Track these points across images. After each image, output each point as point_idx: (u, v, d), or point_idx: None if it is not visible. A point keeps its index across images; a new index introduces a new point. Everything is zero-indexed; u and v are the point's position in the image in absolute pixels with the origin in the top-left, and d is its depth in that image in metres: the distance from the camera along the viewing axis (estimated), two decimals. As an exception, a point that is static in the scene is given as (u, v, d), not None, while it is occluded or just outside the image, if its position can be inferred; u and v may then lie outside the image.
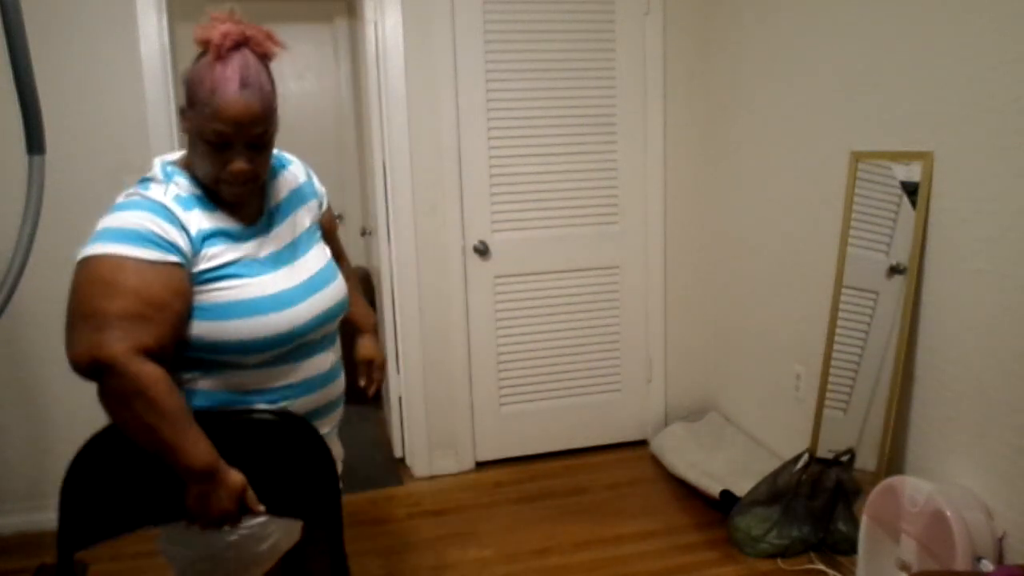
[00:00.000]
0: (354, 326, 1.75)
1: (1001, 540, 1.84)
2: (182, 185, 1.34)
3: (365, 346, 1.75)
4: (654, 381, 3.35)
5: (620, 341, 3.28)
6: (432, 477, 3.14)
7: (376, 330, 1.77)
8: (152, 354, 1.22)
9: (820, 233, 2.53)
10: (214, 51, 1.25)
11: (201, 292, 1.30)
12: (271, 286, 1.35)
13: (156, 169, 1.37)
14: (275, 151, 1.45)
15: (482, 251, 3.08)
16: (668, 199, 3.23)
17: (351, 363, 1.71)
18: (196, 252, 1.29)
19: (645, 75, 3.12)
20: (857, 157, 2.33)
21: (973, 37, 1.87)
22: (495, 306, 3.13)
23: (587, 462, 3.23)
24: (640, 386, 3.34)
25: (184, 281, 1.27)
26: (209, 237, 1.32)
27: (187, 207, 1.32)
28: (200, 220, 1.32)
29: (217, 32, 1.26)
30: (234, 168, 1.30)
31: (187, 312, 1.28)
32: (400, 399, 3.18)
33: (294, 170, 1.56)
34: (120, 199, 1.32)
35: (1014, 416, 1.81)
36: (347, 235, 4.63)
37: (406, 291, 3.05)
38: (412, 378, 3.10)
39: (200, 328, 1.30)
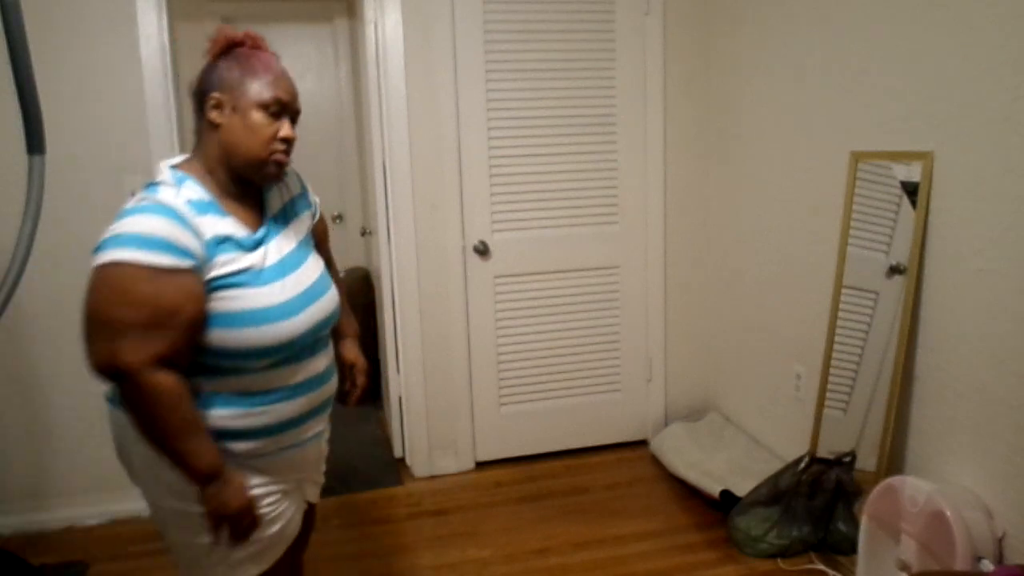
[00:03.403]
0: (338, 331, 1.78)
1: (1001, 540, 1.84)
2: (193, 190, 1.35)
3: (349, 349, 1.78)
4: (654, 381, 3.35)
5: (620, 341, 3.28)
6: (432, 477, 3.14)
7: (357, 336, 1.82)
8: (166, 361, 1.25)
9: (820, 233, 2.53)
10: (250, 43, 1.40)
11: (212, 300, 1.31)
12: (276, 296, 1.37)
13: (165, 174, 1.37)
14: None
15: (482, 251, 3.08)
16: (668, 199, 3.23)
17: (341, 366, 1.77)
18: (209, 258, 1.30)
19: (645, 75, 3.12)
20: (857, 157, 2.33)
21: (973, 37, 1.87)
22: (495, 306, 3.13)
23: (587, 462, 3.23)
24: (640, 386, 3.34)
25: (198, 286, 1.28)
26: (221, 243, 1.33)
27: (200, 211, 1.33)
28: (212, 225, 1.33)
29: (242, 32, 1.39)
30: (286, 134, 1.39)
31: (201, 316, 1.29)
32: (400, 399, 3.18)
33: (290, 181, 1.59)
34: (130, 204, 1.31)
35: (1014, 416, 1.81)
36: (347, 235, 4.63)
37: (406, 291, 3.05)
38: (412, 378, 3.10)
39: (210, 335, 1.32)
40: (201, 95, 1.39)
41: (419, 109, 2.95)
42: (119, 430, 1.43)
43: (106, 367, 1.24)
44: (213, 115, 1.37)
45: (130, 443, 1.40)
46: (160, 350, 1.24)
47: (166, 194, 1.31)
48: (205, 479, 1.32)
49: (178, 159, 1.44)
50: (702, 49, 3.17)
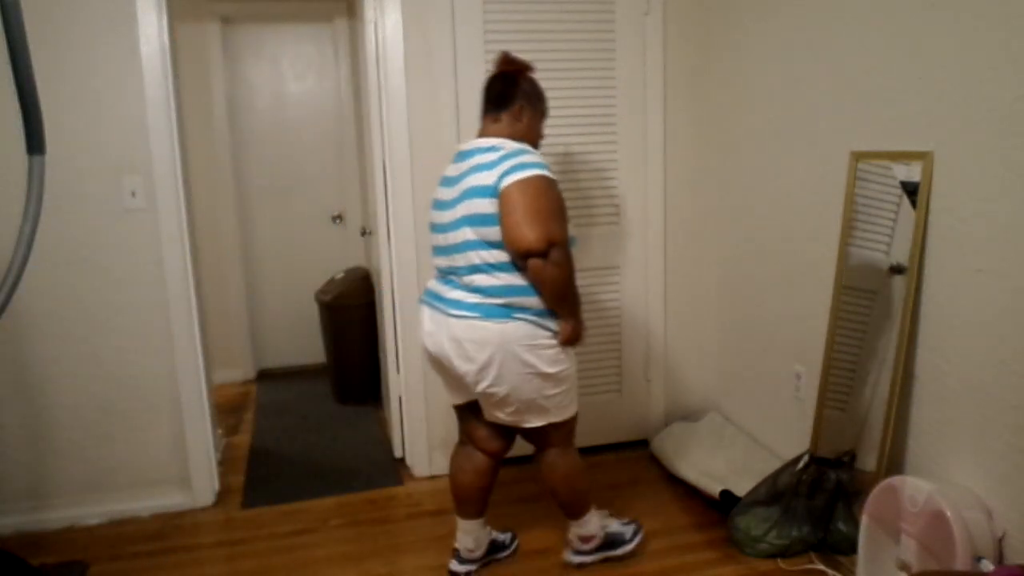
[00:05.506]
0: None
1: (1001, 540, 1.84)
2: None
3: None
4: (654, 381, 3.35)
5: (620, 341, 3.28)
6: (432, 477, 3.14)
7: None
8: None
9: (820, 233, 2.53)
10: (531, 70, 2.25)
11: None
12: None
13: (512, 144, 2.06)
14: None
15: (482, 251, 3.07)
16: (668, 199, 3.23)
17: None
18: None
19: (645, 75, 3.12)
20: (857, 157, 2.33)
21: (973, 37, 1.87)
22: (495, 306, 3.13)
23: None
24: (640, 386, 3.34)
25: None
26: None
27: None
28: None
29: (526, 61, 2.22)
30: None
31: None
32: (400, 399, 3.18)
33: None
34: (508, 151, 2.01)
35: (1014, 416, 1.81)
36: (347, 235, 4.64)
37: (406, 291, 3.05)
38: (412, 378, 3.10)
39: None
40: (511, 99, 2.15)
41: (419, 109, 2.95)
42: (513, 338, 2.01)
43: (545, 241, 1.90)
44: (521, 115, 2.16)
45: (527, 340, 2.02)
46: (564, 231, 1.97)
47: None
48: (580, 315, 2.08)
49: (493, 140, 2.11)
50: (702, 49, 3.17)
